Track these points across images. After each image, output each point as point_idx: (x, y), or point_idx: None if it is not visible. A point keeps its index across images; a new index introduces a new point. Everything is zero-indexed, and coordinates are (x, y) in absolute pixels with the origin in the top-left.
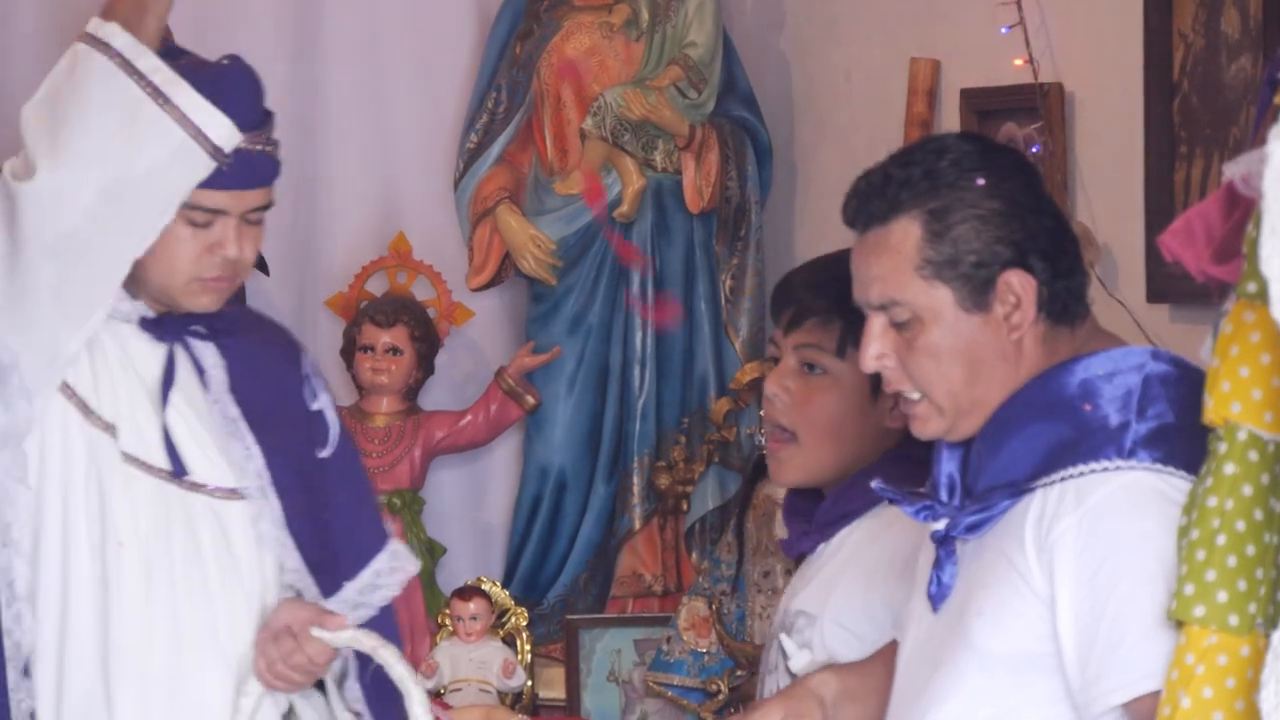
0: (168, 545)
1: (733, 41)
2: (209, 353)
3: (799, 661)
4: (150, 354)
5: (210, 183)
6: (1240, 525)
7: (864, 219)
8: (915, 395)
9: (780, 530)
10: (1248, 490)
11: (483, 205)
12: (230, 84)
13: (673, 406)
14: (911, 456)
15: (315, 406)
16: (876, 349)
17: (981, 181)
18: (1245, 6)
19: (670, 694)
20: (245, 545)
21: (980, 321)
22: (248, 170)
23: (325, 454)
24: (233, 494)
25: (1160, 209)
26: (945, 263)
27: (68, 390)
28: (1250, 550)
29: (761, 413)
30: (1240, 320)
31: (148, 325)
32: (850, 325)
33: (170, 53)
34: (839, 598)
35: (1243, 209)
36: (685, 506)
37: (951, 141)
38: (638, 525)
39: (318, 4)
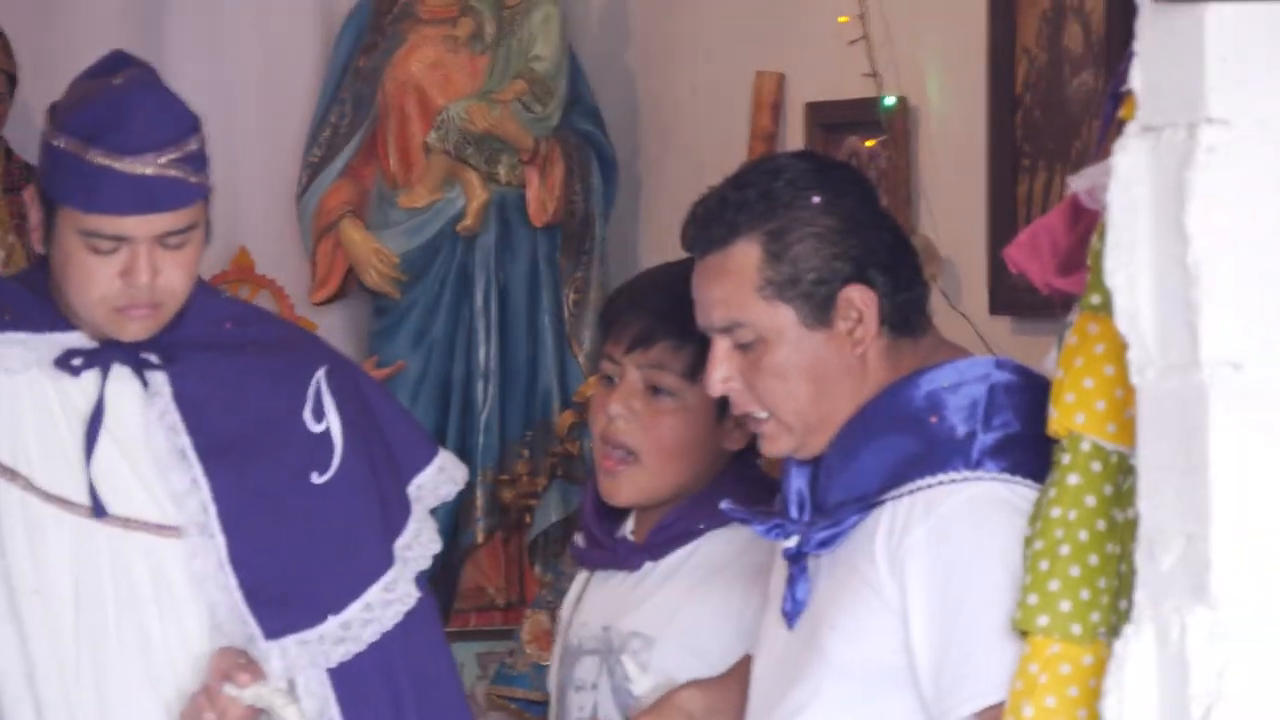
0: (97, 589)
1: (578, 55)
2: (157, 380)
3: (642, 685)
4: (82, 387)
5: (105, 207)
6: (1083, 535)
7: (703, 244)
8: (763, 415)
9: None
10: (1091, 501)
11: (326, 219)
12: (123, 106)
13: (516, 420)
14: (747, 477)
15: (318, 428)
16: (722, 372)
17: (817, 199)
18: (1087, 22)
19: (513, 707)
20: (185, 585)
21: (824, 338)
22: (146, 194)
23: (322, 479)
24: (170, 530)
25: (1003, 222)
26: (785, 282)
27: None
28: (1093, 560)
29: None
30: (1084, 332)
31: (81, 356)
32: (703, 349)
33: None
34: (685, 620)
35: (1087, 222)
36: (529, 520)
37: (786, 161)
38: (481, 539)
39: (161, 17)
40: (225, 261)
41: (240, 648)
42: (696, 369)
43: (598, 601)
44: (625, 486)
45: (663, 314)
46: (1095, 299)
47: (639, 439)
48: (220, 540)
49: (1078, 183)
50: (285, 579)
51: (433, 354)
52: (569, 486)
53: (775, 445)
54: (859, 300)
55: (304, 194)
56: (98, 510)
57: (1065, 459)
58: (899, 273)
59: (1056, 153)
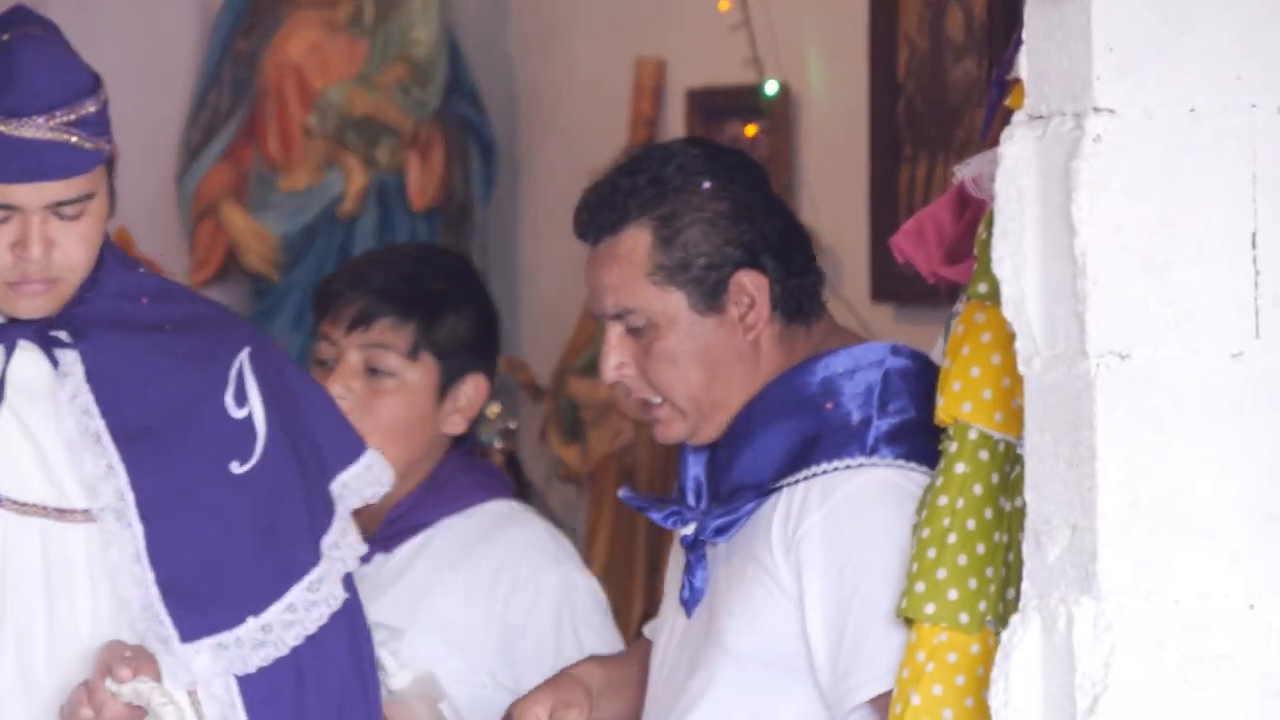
0: None
1: (457, 39)
2: (68, 359)
3: (401, 679)
4: None
5: None
6: (971, 524)
7: (594, 230)
8: (656, 400)
9: None
10: (978, 489)
11: (206, 200)
12: (9, 65)
13: None
14: (474, 465)
15: (240, 414)
16: (615, 359)
17: (708, 185)
18: (970, 9)
19: None
20: (87, 575)
21: (715, 323)
22: (34, 159)
23: (243, 469)
24: (76, 515)
25: (884, 209)
26: (676, 267)
27: None
28: (981, 549)
29: (488, 411)
30: (971, 321)
31: None
32: (425, 327)
33: None
34: (431, 609)
35: (973, 210)
36: None
37: (677, 147)
38: None
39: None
40: None
41: (133, 643)
42: (417, 349)
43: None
44: None
45: (387, 293)
46: (982, 288)
47: (357, 419)
48: (138, 530)
49: (964, 171)
50: (204, 575)
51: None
52: None
53: (669, 431)
54: (750, 285)
55: (183, 176)
56: None
57: (952, 447)
58: (791, 259)
59: (938, 141)
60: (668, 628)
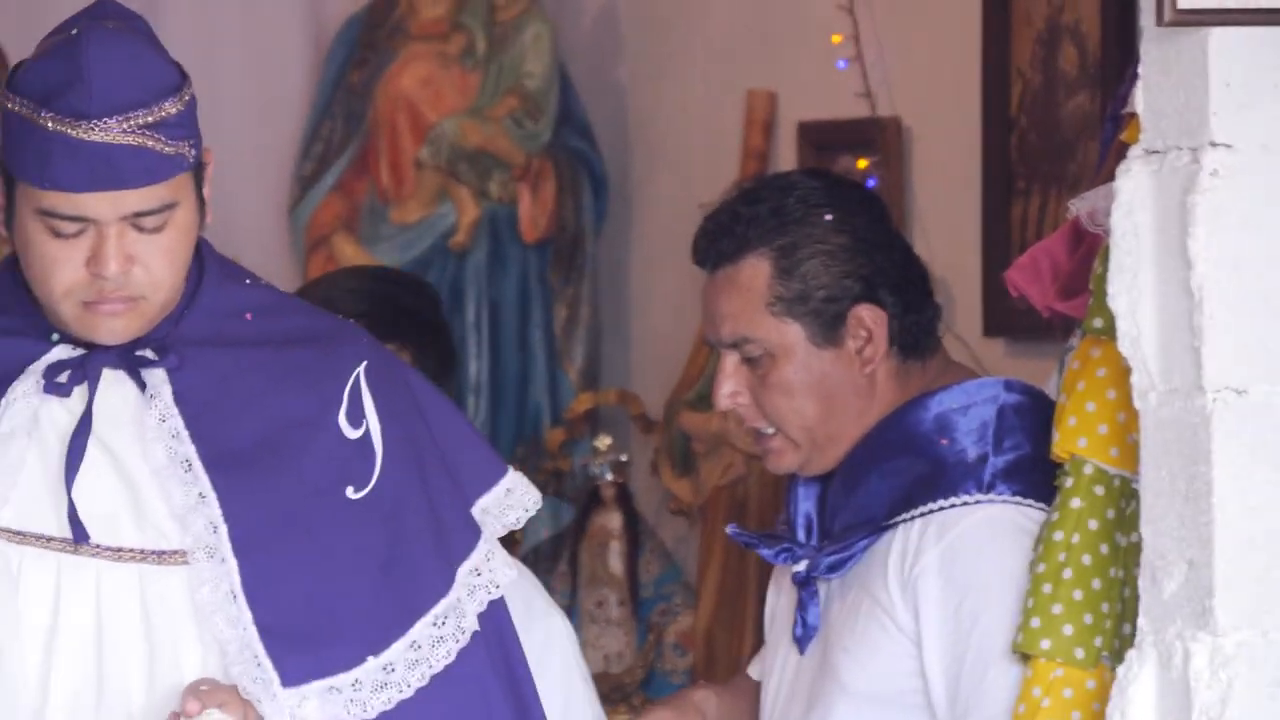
0: (80, 633)
1: (569, 72)
2: (156, 379)
3: None
4: (69, 404)
5: (60, 181)
6: (1086, 559)
7: (713, 258)
8: (769, 430)
9: (615, 562)
10: (1094, 524)
11: (318, 233)
12: (82, 62)
13: (507, 436)
14: None
15: (355, 434)
16: (729, 387)
17: (829, 217)
18: (1083, 44)
19: None
20: (193, 623)
21: (832, 356)
22: (107, 166)
23: (359, 494)
24: (176, 557)
25: (997, 243)
26: (795, 299)
27: None
28: (1096, 584)
29: (598, 443)
30: (1087, 356)
31: (67, 370)
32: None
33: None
34: None
35: (1088, 245)
36: (519, 536)
37: (798, 178)
38: None
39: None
40: None
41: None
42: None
43: None
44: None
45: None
46: (1098, 322)
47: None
48: (232, 565)
49: (1079, 206)
50: (311, 612)
51: None
52: (559, 503)
53: (781, 461)
54: (869, 319)
55: (296, 208)
56: (77, 537)
57: (1068, 483)
58: (909, 294)
59: (1051, 175)
60: (779, 664)
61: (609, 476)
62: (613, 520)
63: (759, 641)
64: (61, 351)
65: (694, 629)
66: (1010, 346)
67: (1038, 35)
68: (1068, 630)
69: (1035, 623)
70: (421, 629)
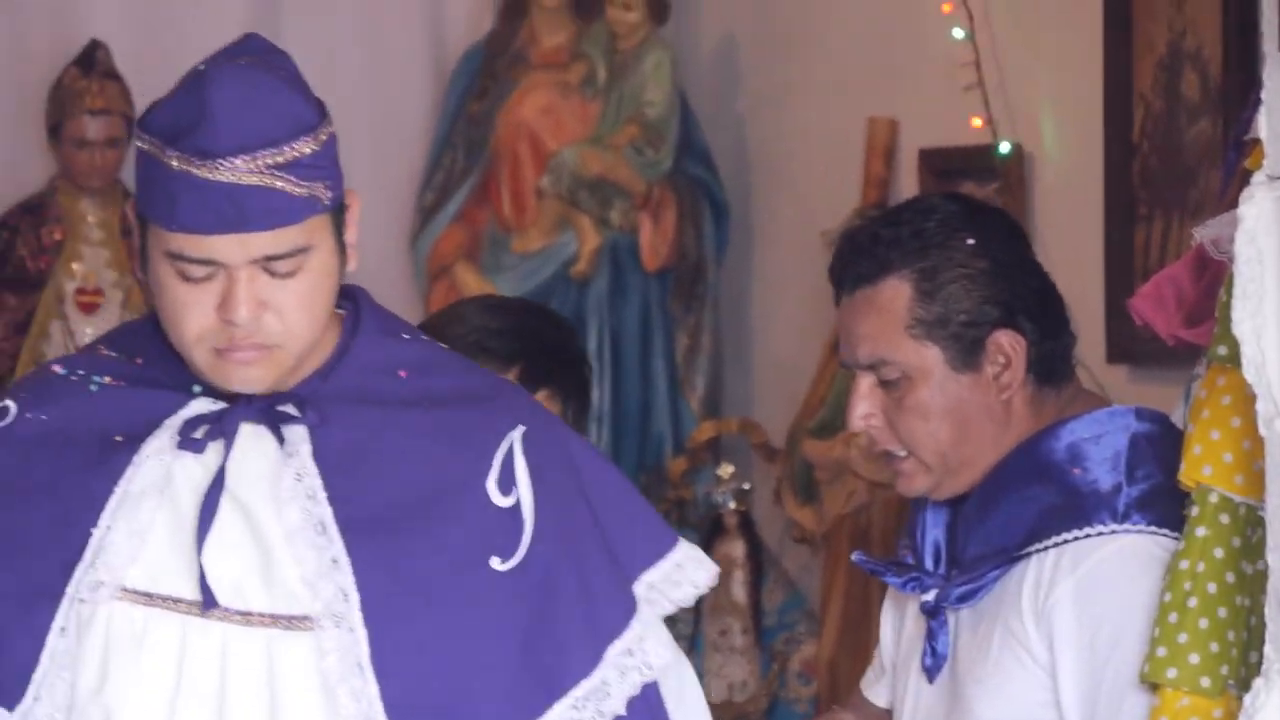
0: (203, 701)
1: (689, 100)
2: (296, 435)
3: None
4: (205, 460)
5: (186, 223)
6: (1212, 588)
7: (851, 279)
8: (902, 453)
9: (738, 590)
10: (1219, 553)
11: (440, 262)
12: (208, 98)
13: (629, 465)
14: None
15: (505, 502)
16: (864, 409)
17: (971, 241)
18: (1205, 70)
19: None
20: (306, 689)
21: (970, 381)
22: (234, 207)
23: (505, 565)
24: (307, 623)
25: (1120, 270)
26: (935, 322)
27: None
28: (1222, 613)
29: (721, 471)
30: (1213, 384)
31: (204, 425)
32: (528, 373)
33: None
34: None
35: (1213, 272)
36: None
37: (938, 202)
38: None
39: None
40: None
41: None
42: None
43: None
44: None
45: (511, 358)
46: (1222, 350)
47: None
48: (361, 634)
49: (1203, 233)
50: (442, 689)
51: None
52: (683, 531)
53: (912, 484)
54: (1008, 345)
55: (418, 237)
56: (207, 603)
57: (1194, 511)
58: (1047, 320)
59: (1174, 201)
60: (910, 694)
61: (731, 505)
62: (736, 549)
63: (837, 658)
64: (201, 405)
65: (818, 657)
66: (1133, 373)
67: (1159, 60)
68: (1194, 659)
69: (1161, 652)
70: (560, 710)
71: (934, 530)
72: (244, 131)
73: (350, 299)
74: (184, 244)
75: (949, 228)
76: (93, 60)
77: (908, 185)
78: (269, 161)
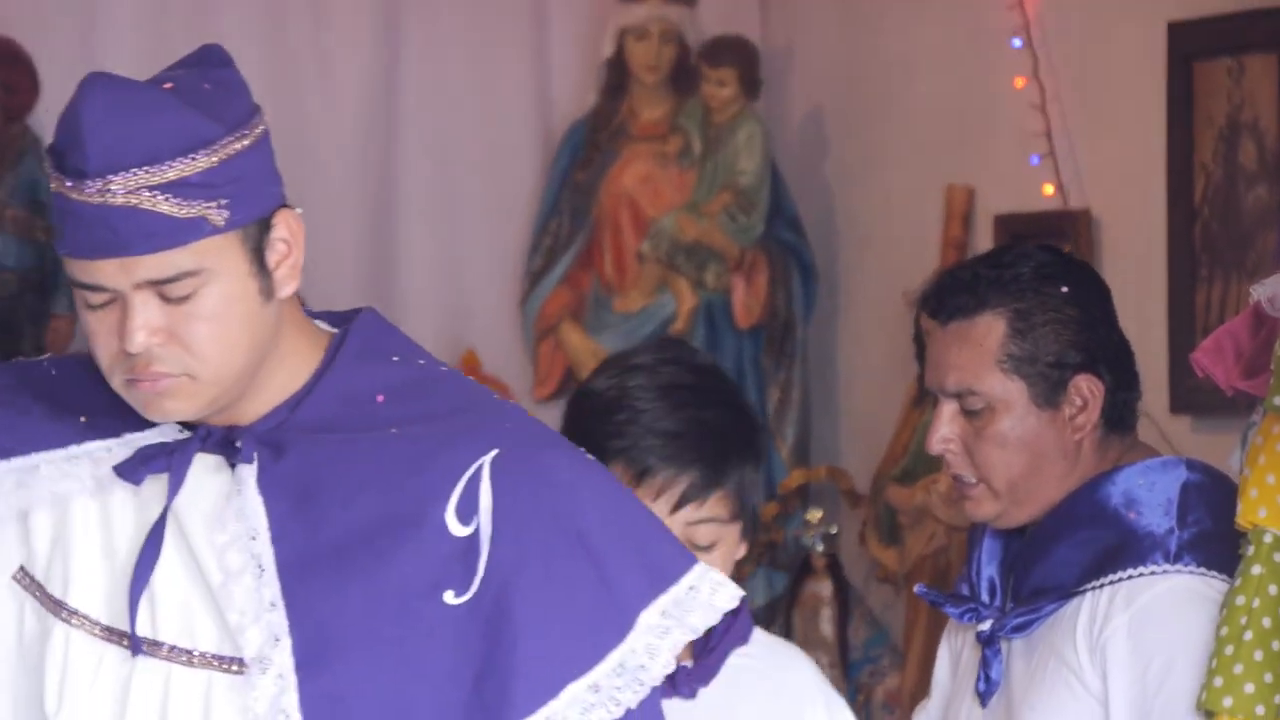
0: None
1: (779, 168)
2: (244, 472)
3: None
4: (137, 498)
5: (69, 248)
6: (1266, 622)
7: (949, 311)
8: (973, 480)
9: (826, 627)
10: (1273, 590)
11: (547, 323)
12: (81, 114)
13: None
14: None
15: (462, 531)
16: (945, 433)
17: (1065, 289)
18: (1261, 140)
19: None
20: None
21: (1048, 418)
22: (107, 229)
23: (459, 600)
24: (232, 664)
25: (1182, 326)
26: (1025, 359)
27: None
28: (1276, 645)
29: (810, 516)
30: (1269, 432)
31: (152, 455)
32: (738, 488)
33: None
34: None
35: (1269, 328)
36: None
37: (1035, 250)
38: None
39: (392, 144)
40: (454, 362)
41: None
42: (737, 514)
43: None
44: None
45: (708, 464)
46: (1278, 400)
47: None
48: (290, 680)
49: (1260, 291)
50: None
51: None
52: (773, 573)
53: (979, 510)
54: (1087, 389)
55: (527, 299)
56: (135, 645)
57: (1250, 550)
58: (1122, 372)
59: (1233, 262)
60: (963, 718)
61: (820, 547)
62: (824, 588)
63: (925, 691)
64: (164, 432)
65: (901, 688)
66: (1195, 423)
67: (1219, 131)
68: (1249, 689)
69: (1218, 682)
70: None
71: (988, 567)
72: (114, 150)
73: (348, 320)
74: (75, 269)
75: (1044, 275)
76: None
77: (984, 248)
78: (144, 181)
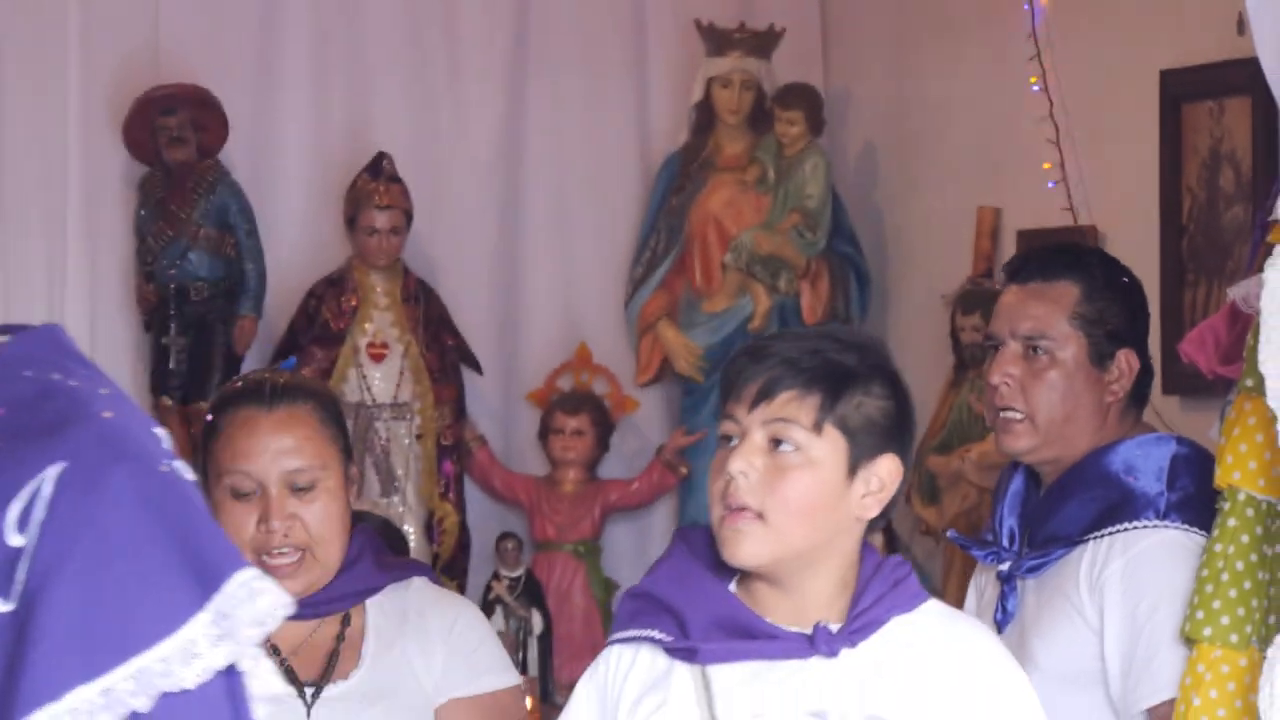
0: None
1: (839, 193)
2: None
3: None
4: None
5: None
6: (1239, 565)
7: (1030, 272)
8: (1019, 415)
9: None
10: (1245, 538)
11: (647, 321)
12: None
13: None
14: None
15: (16, 541)
16: (1007, 370)
17: (1126, 280)
18: (1238, 168)
19: None
20: None
21: (1095, 377)
22: None
23: (5, 608)
24: None
25: (1172, 322)
26: (1092, 320)
27: None
28: (1248, 585)
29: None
30: (1241, 409)
31: None
32: (830, 401)
33: None
34: (918, 701)
35: (1243, 323)
36: None
37: (1099, 250)
38: None
39: (518, 176)
40: (569, 353)
41: None
42: (822, 423)
43: (776, 690)
44: (751, 546)
45: (787, 364)
46: (1249, 382)
47: (763, 499)
48: None
49: (1235, 292)
50: None
51: None
52: None
53: (1017, 442)
54: (1127, 363)
55: (630, 302)
56: None
57: (1225, 506)
58: (1147, 360)
59: (1214, 269)
60: None
61: None
62: (877, 539)
63: None
64: None
65: None
66: (1183, 402)
67: (1203, 161)
68: (1225, 620)
69: (1200, 615)
70: None
71: (1010, 519)
72: None
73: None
74: None
75: (1110, 265)
76: (379, 167)
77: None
78: None
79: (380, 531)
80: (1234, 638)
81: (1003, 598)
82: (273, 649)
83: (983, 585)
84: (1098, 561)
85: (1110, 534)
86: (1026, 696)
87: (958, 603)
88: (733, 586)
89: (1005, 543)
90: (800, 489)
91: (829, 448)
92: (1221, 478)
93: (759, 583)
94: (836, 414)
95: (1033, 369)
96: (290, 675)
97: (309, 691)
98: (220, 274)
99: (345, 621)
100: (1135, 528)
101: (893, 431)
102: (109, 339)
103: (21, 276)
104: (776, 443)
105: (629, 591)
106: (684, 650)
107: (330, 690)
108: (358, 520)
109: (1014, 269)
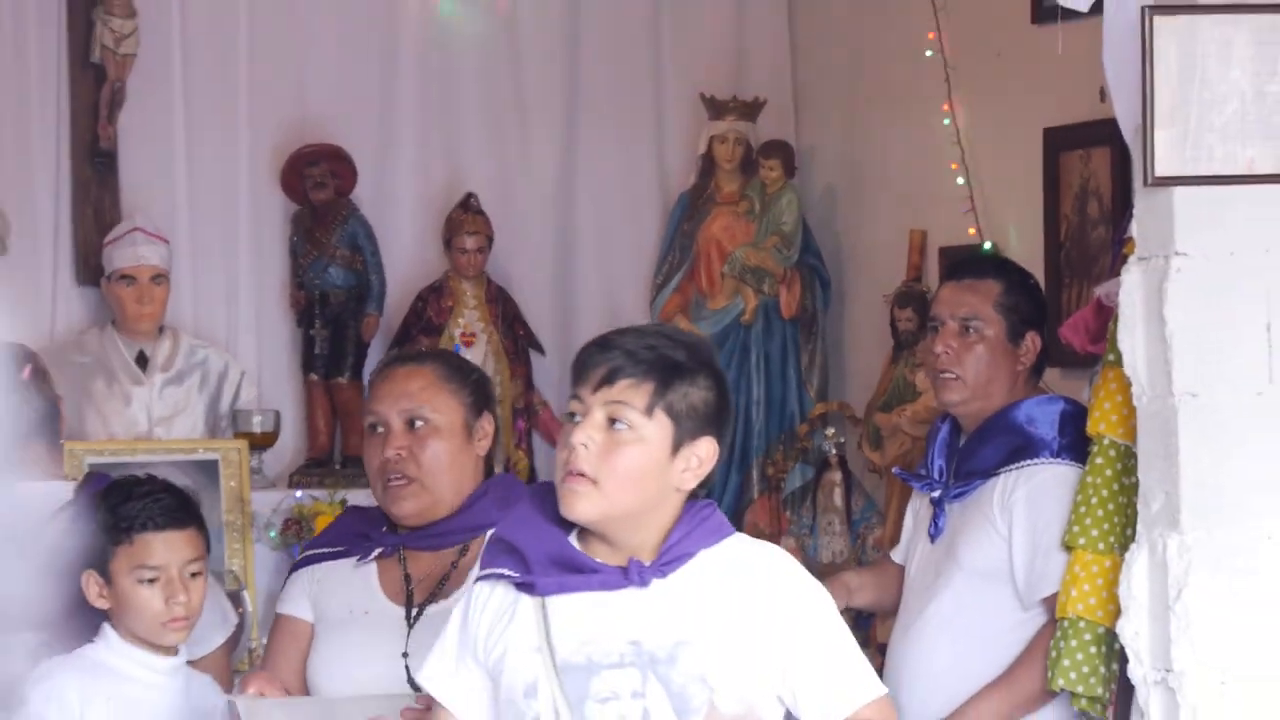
0: None
1: (808, 220)
2: None
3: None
4: None
5: None
6: (1104, 492)
7: (963, 272)
8: (953, 375)
9: (838, 501)
10: (1109, 472)
11: (666, 316)
12: None
13: (775, 429)
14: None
15: None
16: (949, 342)
17: (1032, 282)
18: (1101, 199)
19: None
20: None
21: (1010, 351)
22: None
23: None
24: None
25: (1055, 313)
26: (1009, 308)
27: None
28: (1111, 506)
29: (828, 432)
30: (1106, 377)
31: None
32: (661, 389)
33: None
34: (714, 625)
35: (1106, 313)
36: (782, 486)
37: (1008, 259)
38: (755, 496)
39: (571, 207)
40: None
41: None
42: (653, 407)
43: (601, 619)
44: (584, 505)
45: (627, 355)
46: (1111, 357)
47: (598, 468)
48: None
49: (1100, 290)
50: None
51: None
52: (805, 467)
53: (952, 394)
54: (1033, 341)
55: (653, 302)
56: None
57: (1093, 449)
58: (1046, 340)
59: (1084, 274)
60: (918, 552)
61: (834, 451)
62: (836, 476)
63: (896, 538)
64: None
65: (883, 537)
66: (1063, 372)
67: (1075, 195)
68: (1094, 533)
69: (1075, 528)
70: None
71: (940, 458)
72: None
73: None
74: None
75: (1021, 270)
76: (468, 203)
77: (932, 270)
78: None
79: None
80: (1101, 546)
81: (935, 518)
82: (405, 576)
83: (918, 509)
84: (1007, 489)
85: (1017, 469)
86: (823, 600)
87: (895, 524)
88: (573, 538)
89: (936, 476)
90: (630, 461)
91: (657, 428)
92: (1091, 427)
93: (592, 537)
94: (666, 400)
95: (966, 342)
96: (409, 599)
97: (413, 613)
98: (352, 283)
99: (462, 552)
100: (1035, 464)
101: (713, 418)
102: (271, 332)
103: (207, 288)
104: (613, 421)
105: (490, 535)
106: (526, 584)
107: (431, 609)
108: (495, 470)
109: (952, 269)
